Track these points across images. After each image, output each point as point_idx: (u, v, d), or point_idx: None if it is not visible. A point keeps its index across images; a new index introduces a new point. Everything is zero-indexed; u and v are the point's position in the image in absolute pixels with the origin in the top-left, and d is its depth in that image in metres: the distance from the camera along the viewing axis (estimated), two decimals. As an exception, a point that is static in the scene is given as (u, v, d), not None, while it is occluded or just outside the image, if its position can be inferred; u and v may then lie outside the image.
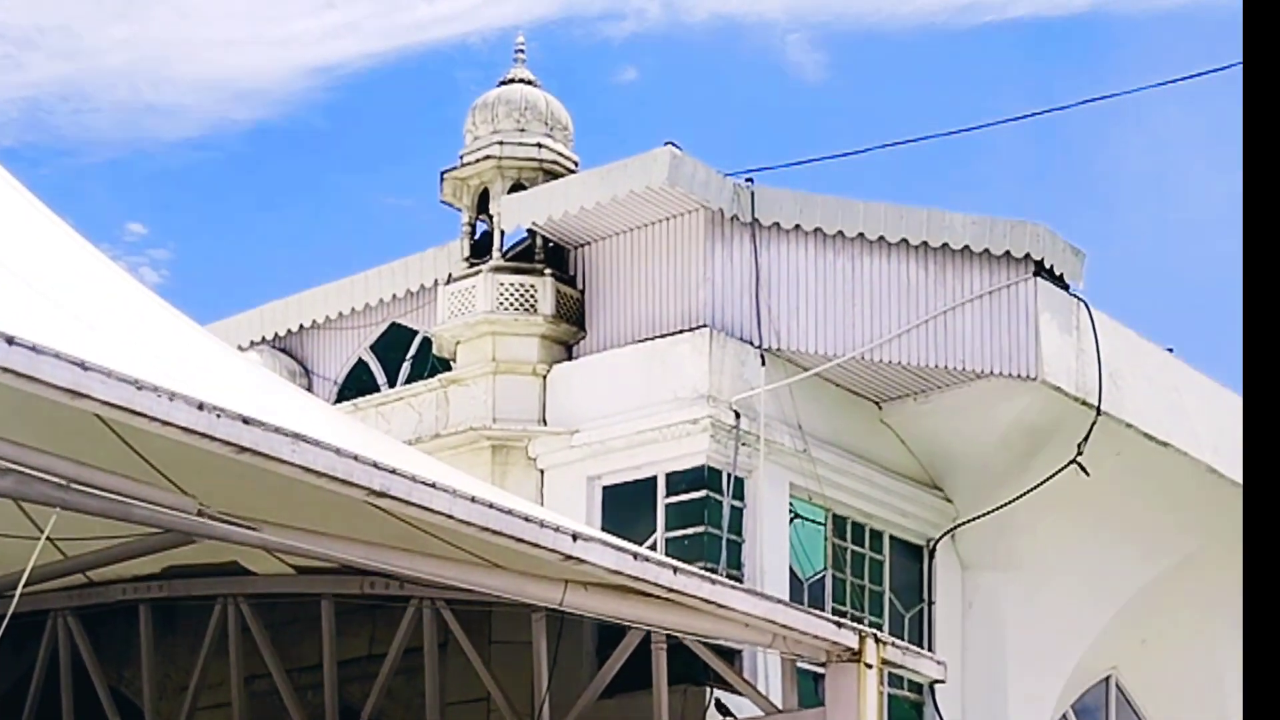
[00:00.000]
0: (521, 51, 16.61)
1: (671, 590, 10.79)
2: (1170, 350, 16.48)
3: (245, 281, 38.05)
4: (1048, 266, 14.93)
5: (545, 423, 14.93)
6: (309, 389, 16.53)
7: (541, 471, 14.80)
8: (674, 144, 14.63)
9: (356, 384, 16.77)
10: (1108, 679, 17.43)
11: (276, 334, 17.40)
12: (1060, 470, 15.25)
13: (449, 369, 15.49)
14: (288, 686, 13.82)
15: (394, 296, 16.58)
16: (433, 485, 9.29)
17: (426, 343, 16.07)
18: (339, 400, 16.33)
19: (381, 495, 9.05)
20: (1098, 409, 15.12)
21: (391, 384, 16.45)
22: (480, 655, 13.20)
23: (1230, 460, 16.48)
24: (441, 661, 13.40)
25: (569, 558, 10.13)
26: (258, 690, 14.14)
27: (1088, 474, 15.19)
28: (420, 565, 10.38)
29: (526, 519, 9.88)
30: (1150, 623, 17.27)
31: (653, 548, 13.84)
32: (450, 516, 9.41)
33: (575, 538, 10.14)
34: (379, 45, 36.89)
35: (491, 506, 9.65)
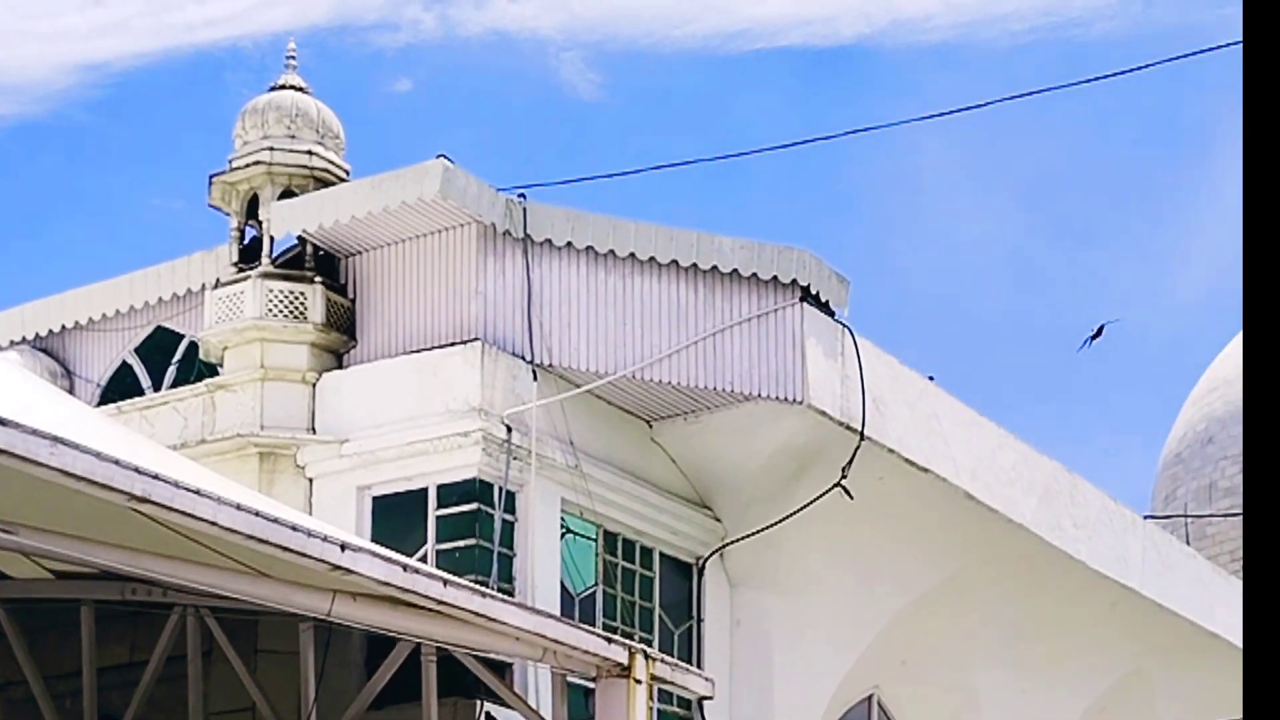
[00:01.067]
0: (293, 58, 16.45)
1: (441, 602, 10.75)
2: (931, 378, 16.74)
3: (6, 281, 37.22)
4: (814, 293, 15.08)
5: (314, 431, 14.73)
6: (70, 391, 16.14)
7: (310, 480, 14.59)
8: (446, 157, 14.57)
9: (120, 387, 16.41)
10: (870, 698, 17.65)
11: (37, 334, 16.96)
12: (825, 493, 15.39)
13: (216, 374, 15.23)
14: (45, 694, 13.49)
15: (160, 299, 16.26)
16: (196, 492, 9.13)
17: (193, 347, 15.77)
18: (102, 403, 15.95)
19: (143, 501, 8.87)
20: (861, 434, 15.29)
21: (156, 388, 16.13)
22: (246, 664, 12.99)
23: (987, 487, 16.83)
24: (206, 670, 13.16)
25: (337, 568, 10.02)
26: (14, 697, 13.77)
27: (852, 497, 15.36)
28: (183, 572, 10.16)
29: (294, 528, 9.76)
30: (911, 643, 17.52)
31: (424, 559, 13.69)
32: (214, 524, 9.26)
33: (343, 548, 10.05)
34: (149, 44, 36.32)
35: (258, 514, 9.50)
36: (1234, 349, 41.18)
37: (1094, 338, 18.25)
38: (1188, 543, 31.96)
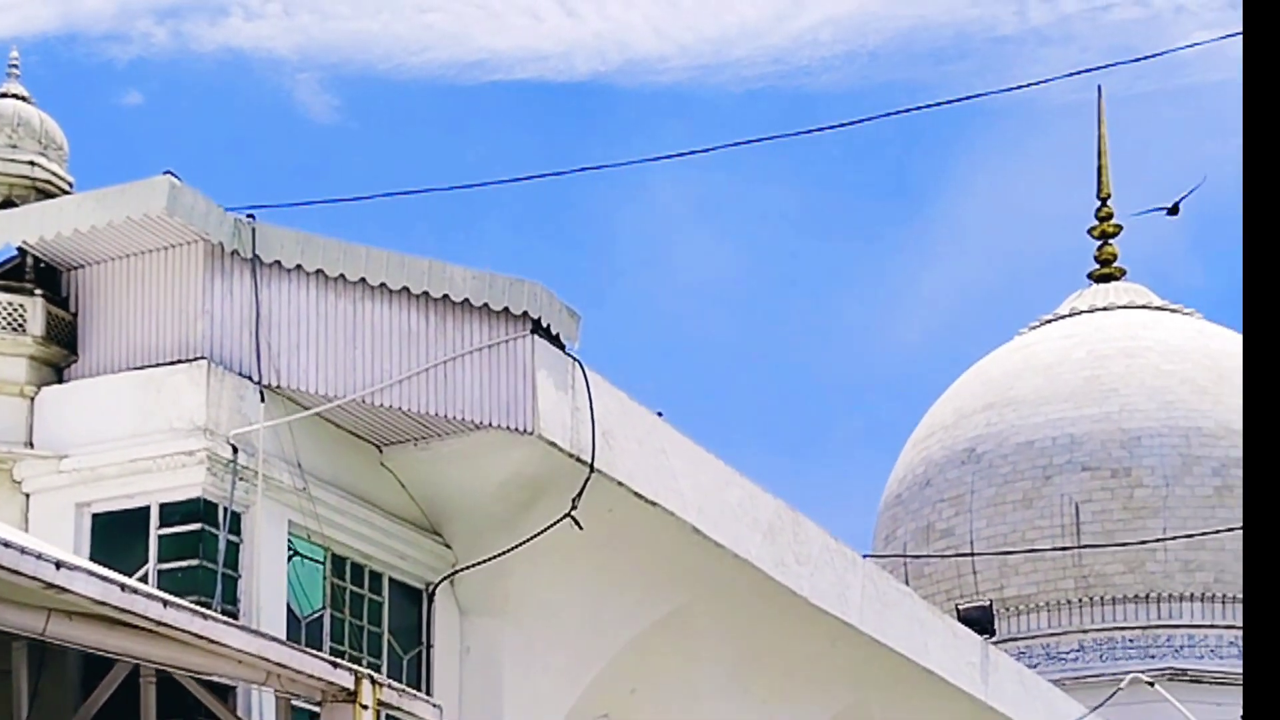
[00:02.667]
0: (15, 66, 16.12)
1: (161, 623, 10.56)
2: (660, 414, 16.86)
3: None
4: (545, 325, 15.10)
5: (32, 445, 14.30)
6: None
7: (27, 496, 14.15)
8: (173, 174, 14.34)
9: None
10: (600, 726, 17.66)
11: None
12: (555, 523, 15.38)
13: (-71, 386, 14.72)
14: None
15: None
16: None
17: (-96, 358, 15.22)
18: None
19: None
20: (591, 466, 15.34)
21: None
22: (-46, 685, 12.55)
23: (714, 522, 17.00)
24: (-90, 691, 12.66)
25: (51, 585, 9.83)
26: None
27: (581, 528, 15.39)
28: (-111, 588, 9.80)
29: (6, 544, 9.55)
30: (640, 672, 17.54)
31: (145, 579, 13.38)
32: (-77, 538, 8.97)
33: (59, 565, 9.87)
34: None
35: (-31, 529, 9.21)
36: (951, 395, 42.11)
37: (1172, 210, 18.02)
38: (906, 582, 32.61)
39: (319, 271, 14.83)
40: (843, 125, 19.51)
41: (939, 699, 21.21)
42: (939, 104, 19.85)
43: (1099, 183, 43.54)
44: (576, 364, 15.41)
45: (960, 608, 23.93)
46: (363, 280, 14.86)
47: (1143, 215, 15.72)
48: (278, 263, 14.75)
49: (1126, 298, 42.30)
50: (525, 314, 14.98)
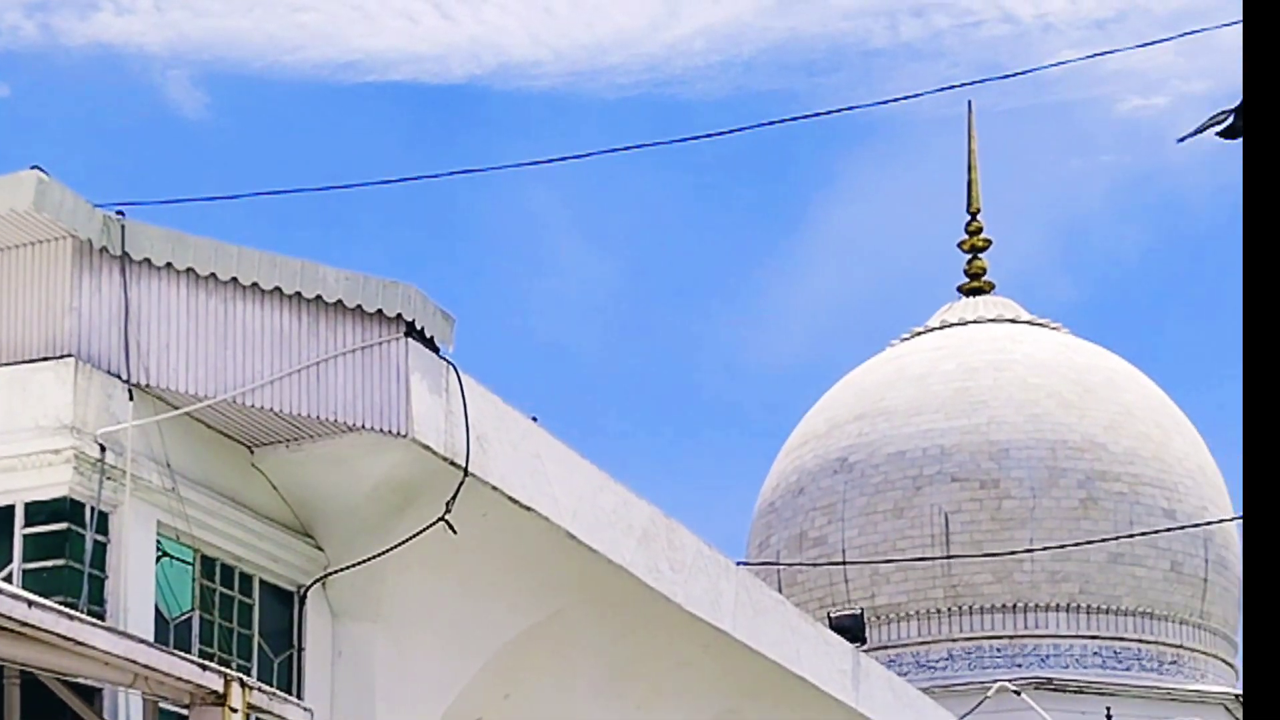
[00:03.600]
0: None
1: (25, 624, 10.40)
2: (535, 419, 16.79)
3: None
4: (419, 328, 14.97)
5: (-108, 444, 13.99)
6: None
7: (-113, 495, 13.87)
8: (40, 169, 14.08)
9: None
10: (473, 731, 17.54)
11: None
12: (429, 527, 15.23)
13: None
14: None
15: None
16: None
17: None
18: None
19: None
20: (465, 470, 15.22)
21: None
22: None
23: (588, 527, 16.94)
24: None
25: None
26: None
27: (455, 532, 15.28)
28: None
29: None
30: (514, 677, 17.45)
31: (9, 579, 13.08)
32: None
33: None
34: None
35: None
36: (824, 404, 42.33)
37: (1228, 132, 17.48)
38: (779, 589, 32.73)
39: (190, 270, 14.62)
40: (716, 134, 19.52)
41: (811, 706, 21.34)
42: (812, 115, 19.94)
43: (969, 197, 43.98)
44: (451, 367, 15.30)
45: (832, 615, 24.06)
46: (234, 280, 14.67)
47: (1191, 137, 15.25)
48: (148, 260, 14.52)
49: (995, 311, 42.76)
50: (399, 316, 14.85)
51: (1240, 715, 40.45)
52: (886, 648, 37.41)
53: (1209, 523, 38.92)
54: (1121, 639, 38.88)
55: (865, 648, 23.72)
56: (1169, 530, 38.05)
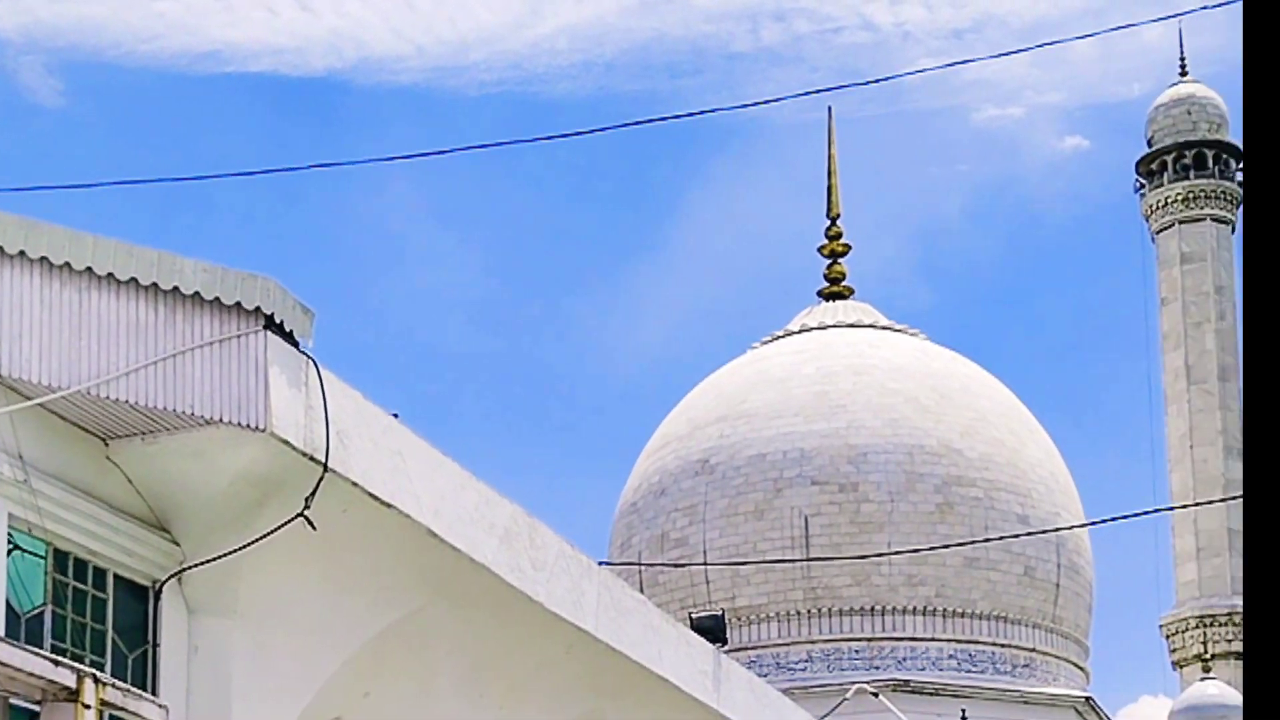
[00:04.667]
0: None
1: None
2: (396, 415, 16.63)
3: None
4: (278, 321, 14.77)
5: None
6: None
7: None
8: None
9: None
10: (336, 729, 17.34)
11: None
12: (288, 522, 15.03)
13: None
14: None
15: None
16: None
17: None
18: None
19: None
20: (325, 466, 15.04)
21: None
22: None
23: (449, 526, 16.81)
24: None
25: None
26: None
27: (314, 528, 15.10)
28: None
29: None
30: (374, 675, 17.28)
31: None
32: None
33: None
34: None
35: None
36: (686, 406, 42.45)
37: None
38: (641, 590, 32.72)
39: (43, 259, 14.35)
40: (578, 134, 19.60)
41: (672, 706, 21.34)
42: (674, 117, 20.00)
43: (829, 202, 44.28)
44: (310, 361, 15.12)
45: (693, 616, 24.06)
46: (89, 269, 14.44)
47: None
48: (0, 249, 14.22)
49: (854, 316, 43.10)
50: (258, 309, 14.65)
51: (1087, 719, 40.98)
52: (747, 649, 37.54)
53: (1060, 529, 39.42)
54: (976, 642, 39.28)
55: (726, 649, 23.75)
56: (1022, 535, 38.51)
